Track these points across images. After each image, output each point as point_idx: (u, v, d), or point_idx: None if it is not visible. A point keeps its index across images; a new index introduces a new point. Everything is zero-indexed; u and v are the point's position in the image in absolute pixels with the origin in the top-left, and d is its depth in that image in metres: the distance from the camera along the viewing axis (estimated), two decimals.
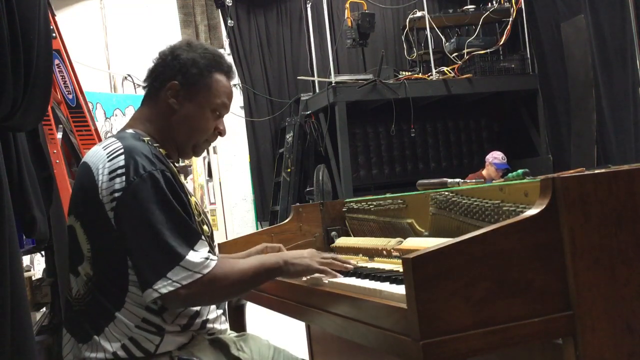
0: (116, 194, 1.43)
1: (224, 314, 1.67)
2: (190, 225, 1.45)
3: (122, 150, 1.48)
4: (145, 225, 1.40)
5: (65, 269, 1.80)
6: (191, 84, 1.60)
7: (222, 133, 1.69)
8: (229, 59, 1.89)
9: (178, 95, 1.60)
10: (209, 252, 1.45)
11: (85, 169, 1.52)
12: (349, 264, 1.67)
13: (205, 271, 1.41)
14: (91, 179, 1.48)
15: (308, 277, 1.64)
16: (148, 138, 1.57)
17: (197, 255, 1.41)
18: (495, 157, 6.15)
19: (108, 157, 1.48)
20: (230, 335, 1.72)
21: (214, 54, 1.66)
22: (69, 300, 1.58)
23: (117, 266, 1.46)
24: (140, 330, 1.46)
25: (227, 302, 2.25)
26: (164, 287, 1.38)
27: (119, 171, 1.45)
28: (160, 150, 1.57)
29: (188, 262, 1.39)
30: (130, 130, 1.60)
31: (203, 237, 1.47)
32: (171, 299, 1.40)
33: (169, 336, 1.49)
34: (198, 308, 1.55)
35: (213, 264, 1.43)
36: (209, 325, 1.59)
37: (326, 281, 1.59)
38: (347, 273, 1.62)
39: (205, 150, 1.94)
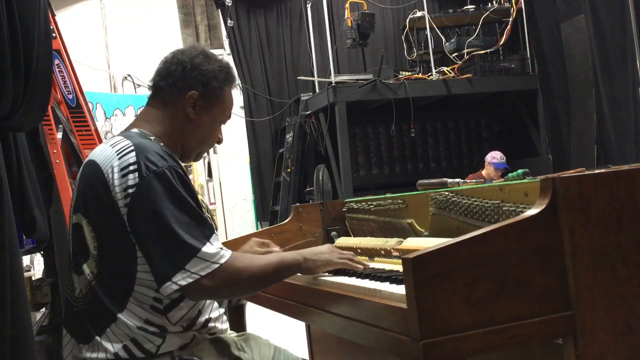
0: (130, 190, 1.44)
1: (224, 313, 1.67)
2: (204, 219, 1.47)
3: (132, 148, 1.49)
4: (160, 220, 1.42)
5: (65, 269, 1.80)
6: (210, 97, 1.64)
7: (219, 141, 1.75)
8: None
9: (196, 105, 1.63)
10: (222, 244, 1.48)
11: (93, 167, 1.52)
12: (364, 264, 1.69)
13: (222, 261, 1.43)
14: (101, 177, 1.48)
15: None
16: (154, 137, 1.58)
17: (213, 247, 1.44)
18: (494, 156, 6.15)
19: (118, 155, 1.49)
20: (231, 335, 1.72)
21: (228, 67, 1.71)
22: (69, 301, 1.58)
23: (124, 266, 1.46)
24: (142, 331, 1.46)
25: (227, 302, 2.25)
26: (183, 279, 1.40)
27: (131, 167, 1.46)
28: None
29: (204, 253, 1.42)
30: (135, 130, 1.60)
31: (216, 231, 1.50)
32: (193, 290, 1.42)
33: (171, 336, 1.50)
34: (200, 307, 1.55)
35: (228, 254, 1.45)
36: (211, 325, 1.59)
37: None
38: (353, 272, 1.63)
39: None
